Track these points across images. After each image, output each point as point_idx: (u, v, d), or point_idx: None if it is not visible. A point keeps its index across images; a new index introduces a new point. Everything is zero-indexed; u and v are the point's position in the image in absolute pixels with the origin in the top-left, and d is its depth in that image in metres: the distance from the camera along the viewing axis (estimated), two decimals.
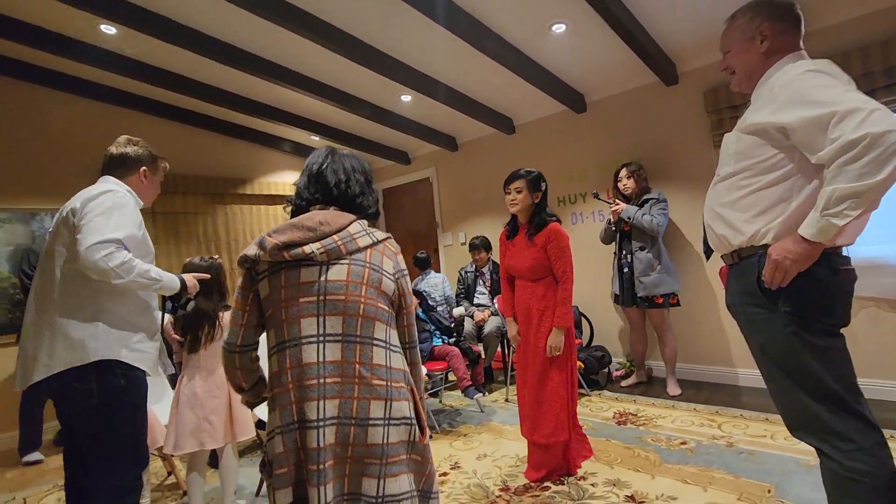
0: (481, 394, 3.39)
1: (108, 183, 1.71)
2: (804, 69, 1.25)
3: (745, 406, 3.11)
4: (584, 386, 3.71)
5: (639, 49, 3.25)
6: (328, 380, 1.11)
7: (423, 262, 4.62)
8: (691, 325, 3.78)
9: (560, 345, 2.31)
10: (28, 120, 4.04)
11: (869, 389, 1.29)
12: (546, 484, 2.35)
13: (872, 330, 3.01)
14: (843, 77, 1.24)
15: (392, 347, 1.20)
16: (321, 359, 1.11)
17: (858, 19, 2.99)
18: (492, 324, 4.03)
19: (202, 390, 2.16)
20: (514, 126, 4.87)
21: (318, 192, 1.26)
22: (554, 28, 3.17)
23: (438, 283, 4.53)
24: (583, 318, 4.27)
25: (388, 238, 1.27)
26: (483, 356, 3.97)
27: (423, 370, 3.30)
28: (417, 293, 3.87)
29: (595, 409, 3.34)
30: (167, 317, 2.13)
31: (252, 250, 1.16)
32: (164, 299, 1.92)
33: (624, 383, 3.83)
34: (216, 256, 2.37)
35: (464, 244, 5.34)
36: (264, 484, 1.29)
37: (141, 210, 1.76)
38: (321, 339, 1.12)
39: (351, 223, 1.21)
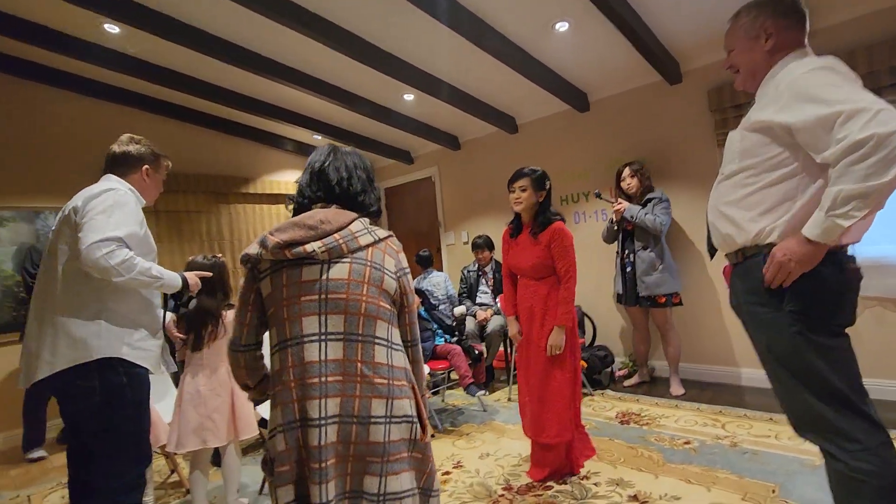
0: (483, 392, 3.39)
1: (110, 181, 1.72)
2: (810, 67, 1.24)
3: (749, 406, 3.09)
4: (587, 385, 3.71)
5: (642, 48, 3.24)
6: (330, 378, 1.11)
7: (425, 261, 4.62)
8: (694, 324, 3.76)
9: (561, 344, 2.30)
10: (31, 118, 4.05)
11: (874, 390, 1.28)
12: (549, 483, 2.35)
13: (877, 330, 3.00)
14: (849, 74, 1.22)
15: (394, 346, 1.20)
16: (323, 357, 1.11)
17: (864, 17, 2.97)
18: (495, 323, 4.02)
19: (205, 388, 2.16)
20: (517, 125, 4.86)
21: (320, 189, 1.26)
22: (557, 26, 3.17)
23: (440, 282, 4.53)
24: (585, 318, 4.27)
25: (390, 236, 1.27)
26: (485, 355, 3.97)
27: (426, 369, 3.30)
28: (419, 292, 3.87)
29: (598, 409, 3.33)
30: (169, 315, 2.13)
31: (254, 249, 1.17)
32: (165, 297, 1.92)
33: (627, 383, 3.82)
34: (219, 255, 2.37)
35: (466, 243, 5.34)
36: (266, 482, 1.29)
37: (144, 208, 1.76)
38: (323, 337, 1.12)
39: (352, 221, 1.20)
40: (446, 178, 5.64)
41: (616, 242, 3.71)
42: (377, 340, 1.16)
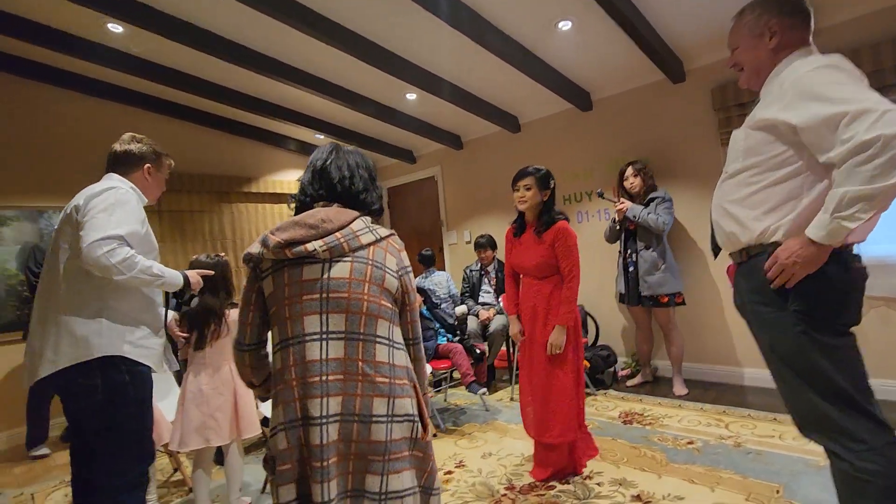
0: (484, 390, 3.39)
1: (112, 180, 1.72)
2: (815, 65, 1.23)
3: (753, 406, 3.08)
4: (590, 385, 3.70)
5: (645, 46, 3.23)
6: (331, 377, 1.11)
7: (427, 260, 4.62)
8: (697, 324, 3.75)
9: (561, 343, 2.30)
10: (35, 118, 4.07)
11: (879, 390, 1.27)
12: (552, 483, 2.34)
13: (882, 330, 2.98)
14: (855, 73, 1.21)
15: (395, 344, 1.20)
16: (324, 356, 1.11)
17: (869, 16, 2.95)
18: (497, 322, 4.02)
19: (208, 387, 2.16)
20: (520, 124, 4.85)
21: (321, 188, 1.26)
22: (560, 25, 3.16)
23: (442, 282, 4.52)
24: (588, 318, 4.26)
25: (392, 234, 1.27)
26: (487, 354, 3.96)
27: (428, 368, 3.30)
28: (421, 290, 3.87)
29: (601, 409, 3.33)
30: (171, 313, 2.13)
31: (255, 248, 1.17)
32: (167, 296, 1.92)
33: (630, 383, 3.81)
34: (222, 254, 2.37)
35: (469, 243, 5.34)
36: (268, 481, 1.29)
37: (147, 208, 1.76)
38: (324, 336, 1.12)
39: (354, 220, 1.20)
40: (449, 177, 5.64)
41: (618, 242, 3.70)
42: (378, 339, 1.16)
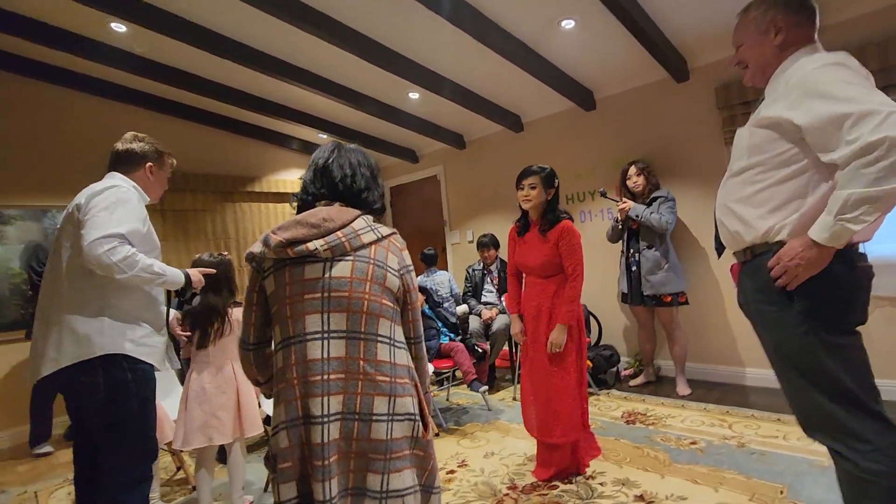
0: (485, 388, 3.39)
1: (114, 179, 1.72)
2: (821, 62, 1.21)
3: (757, 406, 3.06)
4: (593, 385, 3.69)
5: (649, 45, 3.21)
6: (332, 376, 1.11)
7: (430, 259, 4.62)
8: (701, 323, 3.73)
9: (561, 342, 2.29)
10: (38, 117, 4.08)
11: (885, 390, 1.26)
12: (554, 483, 2.34)
13: (888, 330, 2.96)
14: (861, 71, 1.20)
15: (396, 343, 1.20)
16: (325, 355, 1.11)
17: (875, 13, 2.93)
18: (500, 321, 4.01)
19: (211, 386, 2.17)
20: (522, 123, 4.84)
21: (323, 186, 1.26)
22: (563, 24, 3.15)
23: (444, 281, 4.53)
24: (591, 317, 4.25)
25: (394, 233, 1.26)
26: (489, 354, 3.96)
27: (431, 367, 3.30)
28: (423, 289, 3.87)
29: (603, 409, 3.32)
30: (172, 312, 2.13)
31: (257, 247, 1.18)
32: (169, 296, 1.92)
33: (632, 382, 3.80)
34: (225, 253, 2.37)
35: (471, 242, 5.33)
36: (270, 479, 1.29)
37: (150, 207, 1.77)
38: (325, 335, 1.12)
39: (355, 219, 1.20)
40: (451, 176, 5.63)
41: (621, 241, 3.69)
42: (380, 338, 1.16)
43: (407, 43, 3.40)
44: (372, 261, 1.18)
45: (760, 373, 3.45)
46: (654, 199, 3.47)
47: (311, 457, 1.08)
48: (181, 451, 2.54)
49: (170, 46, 3.43)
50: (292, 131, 5.48)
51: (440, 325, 3.81)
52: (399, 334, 1.22)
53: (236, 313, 2.26)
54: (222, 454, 2.40)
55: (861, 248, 1.28)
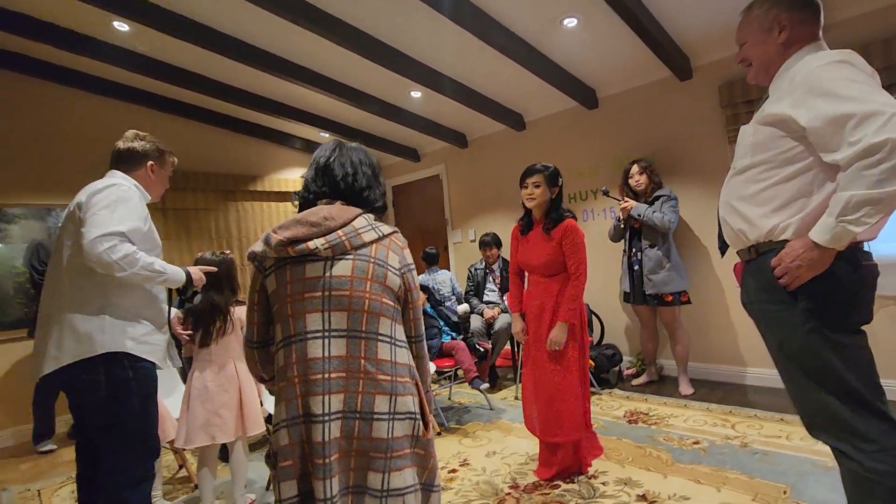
0: (487, 384, 3.39)
1: (115, 177, 1.73)
2: (827, 60, 1.20)
3: (760, 406, 3.05)
4: (595, 384, 3.68)
5: (652, 43, 3.20)
6: (333, 375, 1.11)
7: (431, 258, 4.62)
8: (703, 323, 3.72)
9: (561, 340, 2.28)
10: (41, 116, 4.09)
11: (890, 390, 1.25)
12: (556, 482, 2.33)
13: (893, 329, 2.94)
14: (866, 69, 1.19)
15: (397, 342, 1.19)
16: (326, 354, 1.12)
17: (879, 11, 2.91)
18: (502, 321, 4.00)
19: (213, 384, 2.17)
20: (525, 122, 4.83)
21: (325, 185, 1.26)
22: (565, 22, 3.13)
23: (446, 280, 4.52)
24: (593, 316, 4.24)
25: (395, 232, 1.26)
26: (490, 353, 3.96)
27: (432, 366, 3.30)
28: (424, 288, 3.86)
29: (606, 408, 3.31)
30: (173, 311, 2.13)
31: (259, 246, 1.18)
32: (170, 294, 1.92)
33: (635, 382, 3.79)
34: (227, 251, 2.37)
35: (473, 241, 5.32)
36: (271, 477, 1.30)
37: (152, 206, 1.77)
38: (326, 334, 1.13)
39: (356, 217, 1.20)
40: (454, 175, 5.63)
41: (623, 241, 3.68)
42: (380, 337, 1.16)
43: (409, 41, 3.39)
44: (372, 259, 1.17)
45: (763, 372, 3.44)
46: (657, 197, 3.46)
47: (311, 455, 1.08)
48: (183, 450, 2.54)
49: (172, 45, 3.43)
50: (294, 130, 5.48)
51: (442, 323, 3.81)
52: (400, 333, 1.22)
53: (238, 312, 2.26)
54: (224, 452, 2.41)
55: (866, 247, 1.27)
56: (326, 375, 1.10)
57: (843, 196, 1.09)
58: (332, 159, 1.27)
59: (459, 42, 3.28)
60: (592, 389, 3.61)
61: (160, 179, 1.88)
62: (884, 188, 1.05)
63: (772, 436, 2.60)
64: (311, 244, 1.12)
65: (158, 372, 1.74)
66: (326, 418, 1.08)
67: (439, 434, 3.11)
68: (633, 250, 3.56)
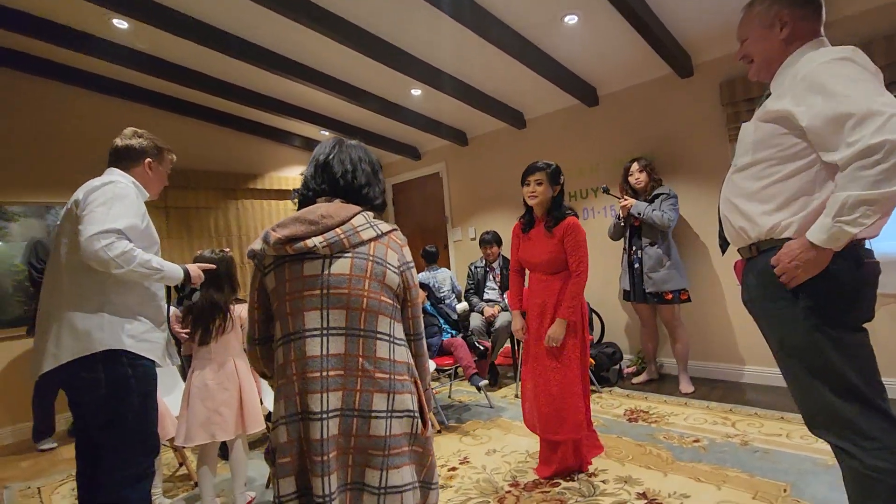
0: (486, 381, 3.39)
1: (112, 175, 1.73)
2: (829, 57, 1.20)
3: (760, 404, 3.05)
4: (595, 383, 3.68)
5: (653, 40, 3.19)
6: (331, 373, 1.11)
7: (431, 256, 4.62)
8: (703, 321, 3.72)
9: (560, 336, 2.28)
10: (41, 114, 4.09)
11: (891, 388, 1.25)
12: (556, 480, 2.33)
13: (894, 327, 2.94)
14: (869, 66, 1.19)
15: (396, 340, 1.19)
16: (324, 352, 1.11)
17: (882, 7, 2.90)
18: (502, 319, 4.00)
19: (213, 382, 2.17)
20: (525, 120, 4.82)
21: (324, 182, 1.26)
22: (566, 19, 3.12)
23: (446, 279, 4.52)
24: (593, 314, 4.23)
25: (394, 230, 1.26)
26: (490, 351, 3.95)
27: (432, 365, 3.30)
28: (424, 286, 3.86)
29: (606, 406, 3.31)
30: (172, 310, 2.13)
31: (258, 244, 1.18)
32: (169, 291, 1.92)
33: (635, 380, 3.79)
34: (227, 249, 2.37)
35: (473, 239, 5.32)
36: (270, 474, 1.30)
37: (152, 204, 1.76)
38: (325, 332, 1.12)
39: (355, 215, 1.19)
40: (454, 173, 5.62)
41: (623, 239, 3.67)
42: (379, 335, 1.16)
43: (409, 39, 3.38)
44: (371, 258, 1.17)
45: (763, 370, 3.44)
46: (657, 195, 3.46)
47: (310, 452, 1.08)
48: (183, 448, 2.54)
49: (172, 43, 3.43)
50: (294, 128, 5.47)
51: (442, 321, 3.81)
52: (399, 331, 1.22)
53: (238, 310, 2.26)
54: (224, 450, 2.41)
55: (868, 245, 1.27)
56: (324, 373, 1.10)
57: (840, 196, 1.09)
58: (331, 156, 1.27)
59: (460, 40, 3.27)
60: (592, 387, 3.61)
61: (158, 177, 1.87)
62: (881, 189, 1.05)
63: (772, 434, 2.60)
64: (309, 242, 1.12)
65: (158, 370, 1.74)
66: (324, 416, 1.08)
67: (439, 432, 3.11)
68: (633, 248, 3.56)
